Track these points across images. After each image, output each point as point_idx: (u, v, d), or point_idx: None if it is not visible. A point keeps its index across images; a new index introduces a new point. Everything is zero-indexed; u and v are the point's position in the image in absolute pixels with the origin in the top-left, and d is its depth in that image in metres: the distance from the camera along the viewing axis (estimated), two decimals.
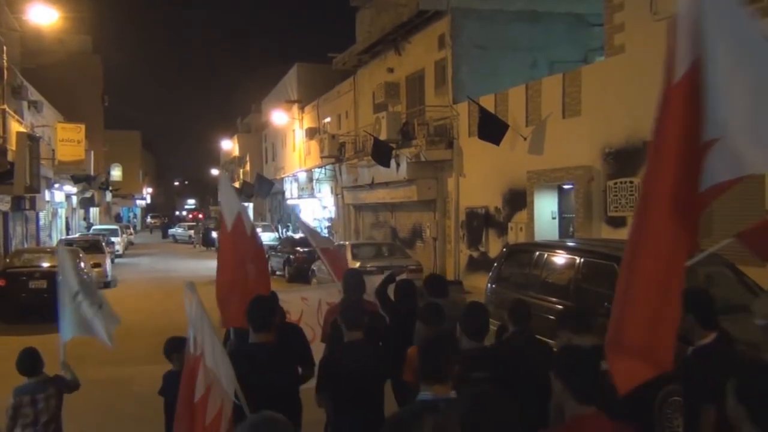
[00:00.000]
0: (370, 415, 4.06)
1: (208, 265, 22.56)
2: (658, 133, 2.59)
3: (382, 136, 20.64)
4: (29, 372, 5.08)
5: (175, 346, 4.92)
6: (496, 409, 2.49)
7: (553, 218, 16.08)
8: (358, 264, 15.93)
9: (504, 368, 3.78)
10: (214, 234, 34.20)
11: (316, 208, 34.98)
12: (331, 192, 31.48)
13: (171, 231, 56.20)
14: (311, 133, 33.54)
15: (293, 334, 5.38)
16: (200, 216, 74.77)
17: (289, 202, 39.79)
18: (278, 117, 37.94)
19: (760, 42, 2.34)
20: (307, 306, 6.96)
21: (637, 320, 2.72)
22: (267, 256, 6.08)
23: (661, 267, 2.68)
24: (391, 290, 6.63)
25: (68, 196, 35.56)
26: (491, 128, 15.73)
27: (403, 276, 7.37)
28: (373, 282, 6.87)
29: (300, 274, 20.12)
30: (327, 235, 28.93)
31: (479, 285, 15.20)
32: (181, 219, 76.79)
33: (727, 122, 2.42)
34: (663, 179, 2.57)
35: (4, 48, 21.46)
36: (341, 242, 21.42)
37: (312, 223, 35.90)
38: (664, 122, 2.54)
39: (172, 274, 24.82)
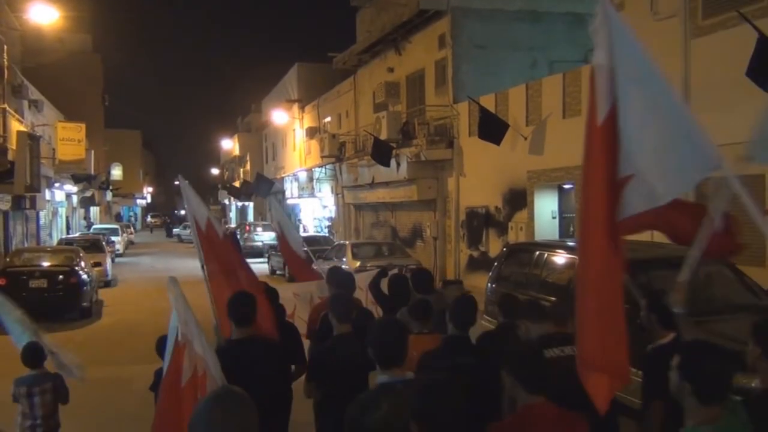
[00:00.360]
0: None
1: None
2: (587, 166, 2.92)
3: (383, 136, 20.64)
4: (30, 364, 5.31)
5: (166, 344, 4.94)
6: (443, 396, 2.61)
7: (554, 218, 16.08)
8: (358, 263, 15.95)
9: (484, 356, 3.96)
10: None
11: (317, 208, 35.00)
12: (332, 191, 31.49)
13: (176, 231, 55.92)
14: (311, 133, 33.55)
15: (288, 331, 5.47)
16: None
17: (289, 201, 39.80)
18: (278, 116, 37.96)
19: (664, 89, 2.70)
20: (299, 301, 7.05)
21: (592, 338, 2.95)
22: (243, 254, 6.27)
23: (604, 286, 2.96)
24: (384, 285, 6.79)
25: (68, 196, 35.58)
26: (491, 128, 15.74)
27: (395, 271, 7.55)
28: (361, 278, 7.10)
29: None
30: (321, 236, 28.95)
31: (479, 284, 15.21)
32: (183, 219, 76.76)
33: (638, 160, 2.75)
34: (595, 208, 2.86)
35: (5, 47, 21.47)
36: (342, 242, 21.44)
37: (313, 222, 35.95)
38: (591, 158, 2.88)
39: (173, 274, 24.75)
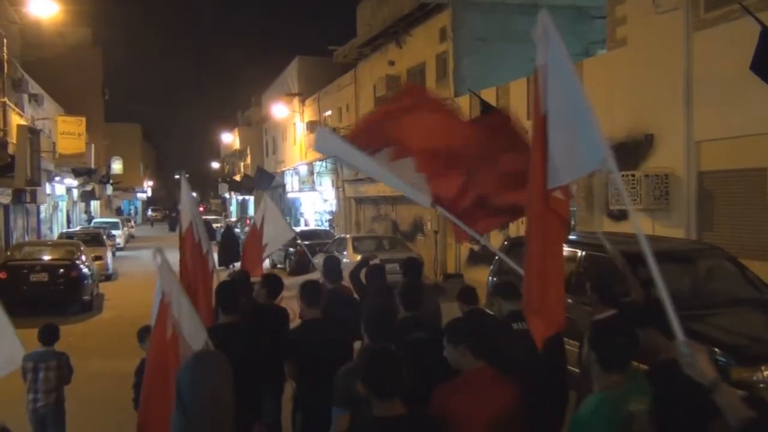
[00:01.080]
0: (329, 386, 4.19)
1: None
2: (534, 149, 3.50)
3: None
4: (42, 340, 5.86)
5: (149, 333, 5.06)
6: (385, 363, 3.04)
7: None
8: (359, 257, 15.93)
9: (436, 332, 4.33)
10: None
11: (317, 202, 34.97)
12: (332, 185, 31.47)
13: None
14: (312, 127, 33.50)
15: (278, 314, 5.94)
16: (202, 209, 74.78)
17: (290, 195, 39.78)
18: (279, 110, 37.88)
19: (577, 90, 3.30)
20: (286, 290, 7.25)
21: (535, 288, 3.45)
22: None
23: (545, 246, 3.48)
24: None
25: (69, 189, 35.57)
26: None
27: (376, 261, 7.87)
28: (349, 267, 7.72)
29: (301, 266, 20.12)
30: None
31: (480, 278, 15.20)
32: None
33: (557, 145, 3.39)
34: (536, 181, 3.45)
35: (5, 41, 21.43)
36: (343, 235, 21.42)
37: (313, 216, 35.93)
38: (536, 145, 3.45)
39: (173, 267, 24.77)
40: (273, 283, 6.06)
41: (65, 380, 5.88)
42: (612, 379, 3.00)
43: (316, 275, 7.98)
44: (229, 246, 20.83)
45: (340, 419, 3.64)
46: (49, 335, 5.89)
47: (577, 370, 5.21)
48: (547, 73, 3.39)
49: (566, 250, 8.71)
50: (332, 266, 7.02)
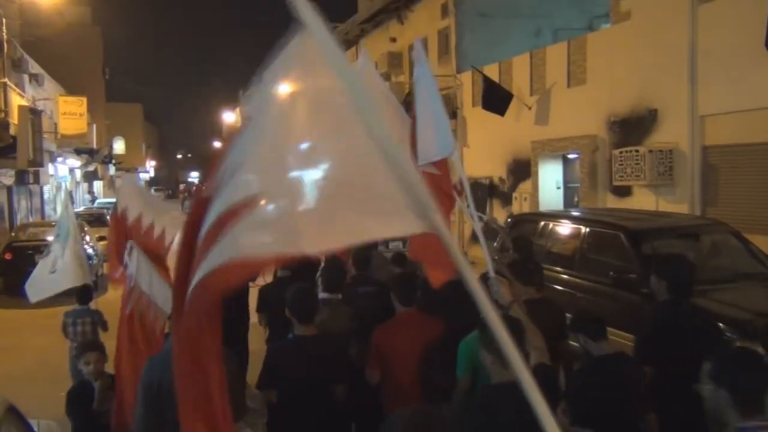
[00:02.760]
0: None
1: None
2: (409, 138, 4.52)
3: None
4: (79, 300, 6.95)
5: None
6: (303, 296, 4.29)
7: (558, 188, 16.02)
8: None
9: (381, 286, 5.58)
10: None
11: None
12: None
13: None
14: None
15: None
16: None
17: None
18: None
19: (437, 98, 4.73)
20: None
21: (419, 238, 4.02)
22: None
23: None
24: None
25: (72, 170, 35.53)
26: (495, 98, 15.59)
27: None
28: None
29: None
30: None
31: (483, 256, 15.20)
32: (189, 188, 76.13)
33: (421, 136, 4.43)
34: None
35: (3, 20, 21.28)
36: None
37: None
38: (412, 139, 4.45)
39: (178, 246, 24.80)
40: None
41: (104, 329, 6.92)
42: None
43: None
44: None
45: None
46: (84, 296, 7.00)
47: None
48: (418, 85, 4.84)
49: (570, 227, 8.72)
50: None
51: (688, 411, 3.56)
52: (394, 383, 4.26)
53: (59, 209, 21.01)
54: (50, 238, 15.50)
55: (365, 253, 6.05)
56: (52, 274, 6.96)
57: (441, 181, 4.54)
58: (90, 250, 15.63)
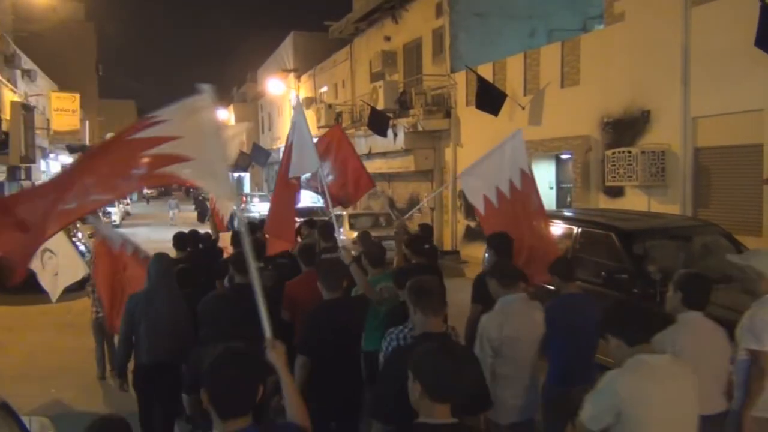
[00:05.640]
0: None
1: None
2: (284, 159, 6.97)
3: (379, 106, 20.48)
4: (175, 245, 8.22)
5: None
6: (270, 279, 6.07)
7: (551, 188, 16.08)
8: (355, 234, 15.94)
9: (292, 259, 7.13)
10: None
11: None
12: None
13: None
14: (307, 103, 33.29)
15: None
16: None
17: None
18: (274, 86, 37.60)
19: (308, 134, 6.85)
20: None
21: (274, 219, 7.24)
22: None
23: (280, 200, 7.36)
24: None
25: (64, 167, 35.38)
26: (489, 98, 15.60)
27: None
28: None
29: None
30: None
31: (476, 255, 15.27)
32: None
33: (295, 158, 6.83)
34: (283, 173, 7.08)
35: None
36: (338, 212, 21.40)
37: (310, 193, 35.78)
38: (285, 155, 6.86)
39: (168, 244, 24.78)
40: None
41: None
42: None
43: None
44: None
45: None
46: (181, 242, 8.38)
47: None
48: (296, 123, 6.90)
49: (562, 227, 8.76)
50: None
51: None
52: (300, 321, 5.38)
53: None
54: None
55: (312, 249, 6.74)
56: (55, 276, 7.88)
57: (293, 188, 7.17)
58: (82, 247, 15.57)
